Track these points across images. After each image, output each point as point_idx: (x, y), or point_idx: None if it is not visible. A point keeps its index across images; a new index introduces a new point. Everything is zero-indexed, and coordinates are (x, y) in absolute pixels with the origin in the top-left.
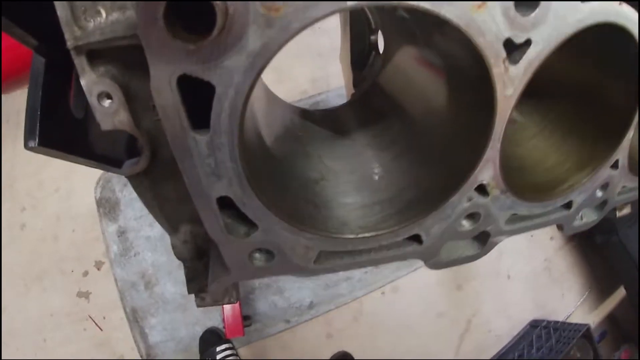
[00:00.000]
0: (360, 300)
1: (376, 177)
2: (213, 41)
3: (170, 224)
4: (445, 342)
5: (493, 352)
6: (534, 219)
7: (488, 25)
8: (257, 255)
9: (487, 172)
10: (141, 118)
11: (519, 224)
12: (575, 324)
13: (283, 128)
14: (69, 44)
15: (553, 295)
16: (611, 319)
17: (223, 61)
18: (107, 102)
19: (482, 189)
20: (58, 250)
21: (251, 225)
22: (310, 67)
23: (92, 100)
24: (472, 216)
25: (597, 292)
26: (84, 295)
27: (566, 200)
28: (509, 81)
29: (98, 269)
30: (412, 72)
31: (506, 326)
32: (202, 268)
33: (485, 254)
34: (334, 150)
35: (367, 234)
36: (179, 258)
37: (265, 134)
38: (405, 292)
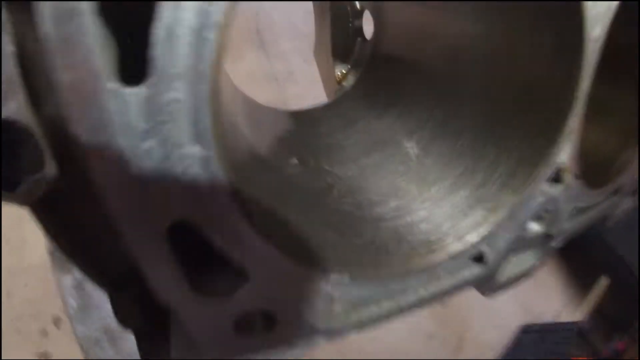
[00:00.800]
0: None
1: (413, 172)
2: None
3: (107, 277)
4: None
5: None
6: (589, 212)
7: None
8: (245, 323)
9: (566, 149)
10: (42, 101)
11: (576, 219)
12: (567, 323)
13: (274, 136)
14: None
15: (538, 298)
16: (598, 311)
17: None
18: None
19: (557, 176)
20: (12, 307)
21: (234, 274)
22: (266, 92)
23: None
24: (540, 216)
25: (580, 287)
26: (44, 355)
27: (616, 186)
28: (595, 19)
29: (57, 327)
30: (432, 34)
31: (498, 336)
32: (162, 337)
33: (543, 263)
34: (334, 153)
35: (419, 261)
36: (125, 326)
37: (257, 145)
38: None
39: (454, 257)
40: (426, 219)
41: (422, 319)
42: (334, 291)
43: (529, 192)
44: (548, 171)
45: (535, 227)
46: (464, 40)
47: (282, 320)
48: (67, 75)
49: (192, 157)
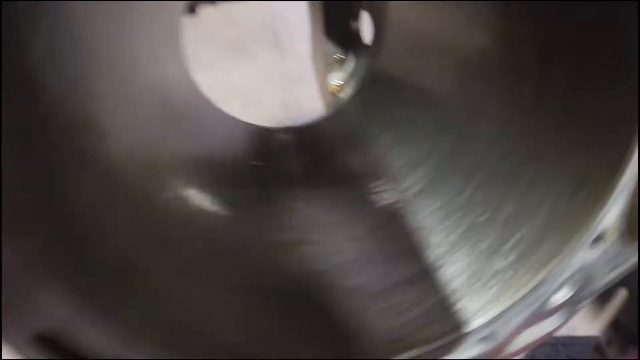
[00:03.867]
0: None
1: (401, 227)
2: None
3: None
4: None
5: None
6: (626, 264)
7: None
8: None
9: (616, 207)
10: None
11: (612, 273)
12: (584, 337)
13: (222, 159)
14: None
15: None
16: (615, 324)
17: None
18: None
19: (596, 239)
20: None
21: None
22: (280, 92)
23: None
24: (568, 284)
25: (596, 299)
26: None
27: None
28: None
29: None
30: (441, 41)
31: None
32: None
33: (564, 325)
34: (318, 188)
35: (400, 356)
36: None
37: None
38: None
39: (451, 346)
40: (396, 322)
41: None
42: None
43: (560, 267)
44: (587, 239)
45: (560, 296)
46: (479, 55)
47: None
48: None
49: None
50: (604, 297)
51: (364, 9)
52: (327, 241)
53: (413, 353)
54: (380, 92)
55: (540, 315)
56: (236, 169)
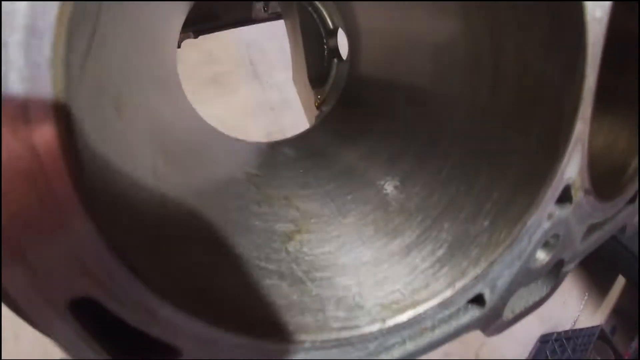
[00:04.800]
0: None
1: (390, 209)
2: None
3: None
4: None
5: None
6: (604, 227)
7: None
8: None
9: (574, 161)
10: None
11: (591, 237)
12: (587, 329)
13: (229, 176)
14: None
15: (555, 305)
16: (617, 312)
17: None
18: None
19: (564, 194)
20: (21, 350)
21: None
22: (264, 122)
23: None
24: (548, 242)
25: (597, 290)
26: None
27: (631, 194)
28: None
29: None
30: (410, 40)
31: (516, 349)
32: None
33: (554, 292)
34: (309, 186)
35: (399, 317)
36: None
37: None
38: None
39: (445, 304)
40: (388, 290)
41: None
42: None
43: (532, 219)
44: (554, 191)
45: (541, 256)
46: (445, 43)
47: None
48: None
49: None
50: (603, 287)
51: (340, 26)
52: (324, 227)
53: (408, 314)
54: (359, 100)
55: (528, 273)
56: (235, 186)
